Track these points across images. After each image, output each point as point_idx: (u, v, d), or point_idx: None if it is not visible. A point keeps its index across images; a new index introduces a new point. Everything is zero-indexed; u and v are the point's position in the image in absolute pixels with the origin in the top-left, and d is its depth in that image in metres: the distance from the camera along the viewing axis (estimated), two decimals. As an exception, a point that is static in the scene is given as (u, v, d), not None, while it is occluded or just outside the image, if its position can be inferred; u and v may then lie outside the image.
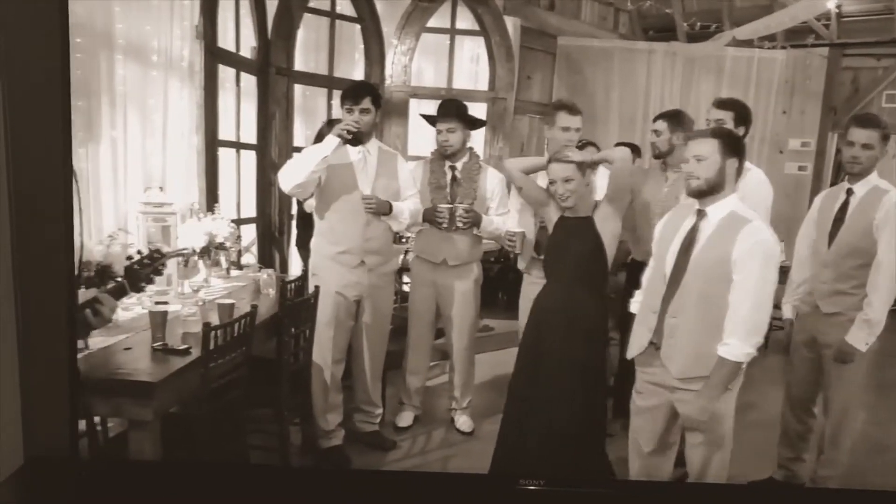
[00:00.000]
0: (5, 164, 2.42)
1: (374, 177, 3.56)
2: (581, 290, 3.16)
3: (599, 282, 3.18)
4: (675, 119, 3.51)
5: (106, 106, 3.59)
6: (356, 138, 3.37)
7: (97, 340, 2.67)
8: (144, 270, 2.21)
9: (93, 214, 3.41)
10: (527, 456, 3.16)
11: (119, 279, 2.26)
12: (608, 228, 3.14)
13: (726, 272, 2.63)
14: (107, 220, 3.58)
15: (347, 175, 3.50)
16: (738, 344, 2.61)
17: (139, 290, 2.23)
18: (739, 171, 2.74)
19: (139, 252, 2.29)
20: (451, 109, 3.79)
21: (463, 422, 3.97)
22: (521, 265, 3.69)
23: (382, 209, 3.52)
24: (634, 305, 2.99)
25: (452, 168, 3.82)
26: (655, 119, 3.64)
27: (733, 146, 2.72)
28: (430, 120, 3.84)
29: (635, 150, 3.93)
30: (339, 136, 3.32)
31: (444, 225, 3.72)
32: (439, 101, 3.91)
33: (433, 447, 3.85)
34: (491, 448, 3.29)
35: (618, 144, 3.70)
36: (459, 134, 3.77)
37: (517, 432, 3.22)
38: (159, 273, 2.25)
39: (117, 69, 3.66)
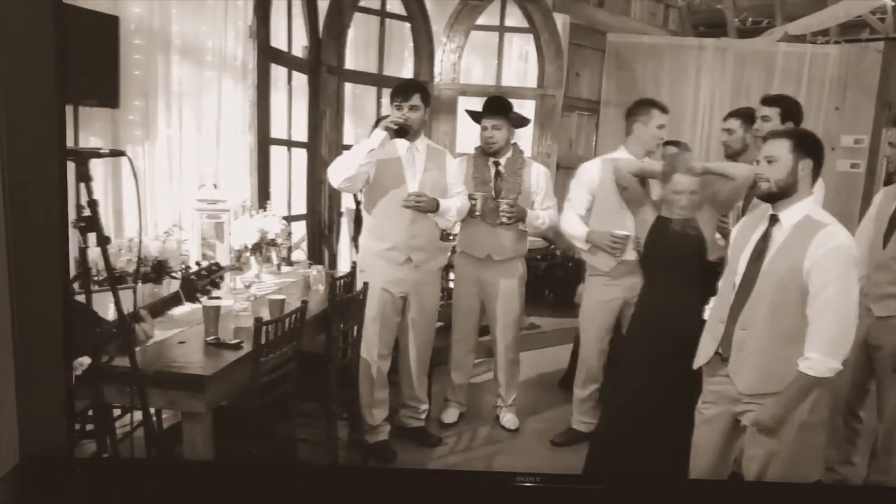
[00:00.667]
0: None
1: (422, 173, 3.56)
2: (684, 290, 3.13)
3: (701, 282, 3.11)
4: (749, 117, 3.43)
5: (162, 105, 3.66)
6: (403, 130, 3.37)
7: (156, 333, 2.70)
8: (201, 282, 2.24)
9: (149, 211, 3.48)
10: (628, 453, 3.16)
11: (173, 275, 2.31)
12: (708, 231, 3.13)
13: (800, 282, 2.48)
14: (162, 217, 3.65)
15: (395, 171, 3.50)
16: (820, 359, 2.45)
17: (194, 300, 2.26)
18: (817, 173, 2.60)
19: (197, 263, 2.32)
20: (497, 106, 3.75)
21: (508, 419, 3.95)
22: (604, 267, 3.59)
23: (430, 206, 3.51)
24: (707, 313, 2.88)
25: (496, 163, 3.79)
26: (727, 117, 3.57)
27: (807, 146, 2.56)
28: (475, 116, 3.81)
29: (685, 149, 3.87)
30: (386, 128, 3.33)
31: (477, 213, 3.68)
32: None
33: (478, 444, 3.84)
34: (535, 446, 3.27)
35: (666, 143, 3.64)
36: (504, 131, 3.74)
37: (621, 429, 3.22)
38: (216, 286, 2.28)
39: (173, 69, 3.73)
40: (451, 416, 3.98)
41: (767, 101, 3.36)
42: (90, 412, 2.81)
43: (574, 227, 3.64)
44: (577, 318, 3.81)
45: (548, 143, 5.35)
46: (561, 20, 5.37)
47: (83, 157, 1.79)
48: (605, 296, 3.60)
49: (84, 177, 1.76)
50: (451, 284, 4.12)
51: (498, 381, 3.97)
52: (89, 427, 2.83)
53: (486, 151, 3.78)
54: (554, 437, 3.82)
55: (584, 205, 3.64)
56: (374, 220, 3.54)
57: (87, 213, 1.76)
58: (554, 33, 5.31)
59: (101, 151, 1.84)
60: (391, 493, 2.84)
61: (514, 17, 5.33)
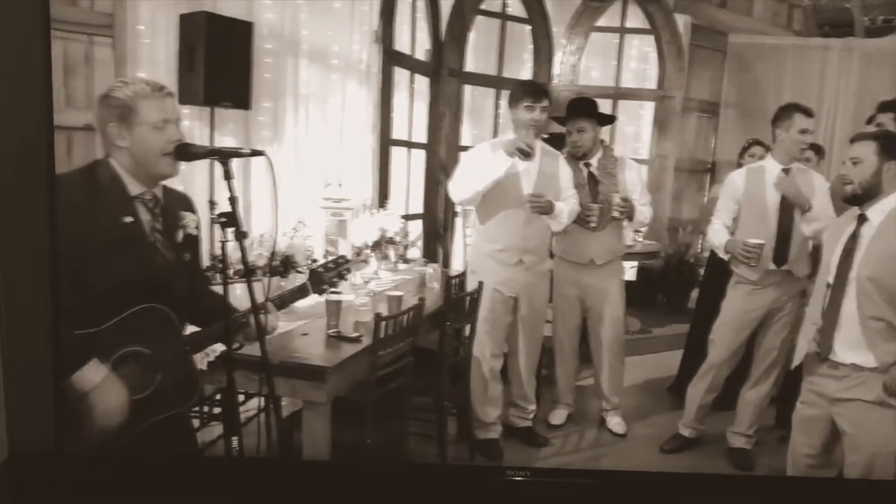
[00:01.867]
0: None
1: (536, 176, 3.52)
2: None
3: None
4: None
5: (290, 107, 3.79)
6: (528, 153, 3.33)
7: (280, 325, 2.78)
8: (328, 274, 2.28)
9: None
10: None
11: (298, 269, 2.38)
12: None
13: (890, 277, 2.45)
14: (287, 214, 3.77)
15: (511, 175, 3.48)
16: None
17: (320, 292, 2.31)
18: None
19: (325, 256, 2.38)
20: (580, 108, 3.67)
21: (616, 423, 3.85)
22: (751, 276, 3.45)
23: (547, 208, 3.47)
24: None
25: (587, 165, 3.70)
26: (878, 111, 3.39)
27: (893, 149, 2.53)
28: (560, 121, 3.73)
29: (819, 151, 3.68)
30: (516, 152, 3.29)
31: (593, 224, 3.61)
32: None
33: (585, 446, 3.77)
34: (642, 451, 3.20)
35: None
36: (590, 133, 3.65)
37: None
38: (343, 278, 2.32)
39: (301, 72, 3.85)
40: (558, 417, 3.92)
41: (883, 106, 3.25)
42: (217, 396, 2.94)
43: (717, 237, 3.54)
44: (687, 324, 3.69)
45: (666, 146, 5.20)
46: (682, 21, 5.20)
47: (226, 156, 1.86)
48: (748, 304, 3.46)
49: (227, 175, 1.83)
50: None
51: (600, 385, 3.87)
52: (216, 410, 2.97)
53: (575, 155, 3.70)
54: (663, 443, 3.71)
55: (729, 214, 3.53)
56: (487, 222, 3.53)
57: (225, 209, 1.82)
58: (675, 34, 5.14)
59: (243, 151, 1.91)
60: (376, 483, 2.79)
61: (635, 18, 5.20)
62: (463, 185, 3.40)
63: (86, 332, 1.85)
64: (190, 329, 2.10)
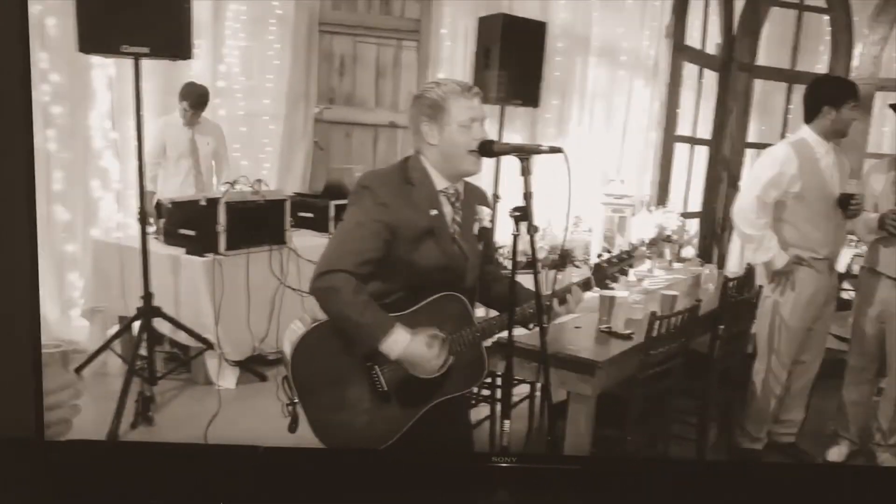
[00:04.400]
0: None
1: (839, 177, 3.16)
2: None
3: None
4: None
5: (576, 104, 3.81)
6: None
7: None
8: (611, 269, 2.22)
9: (554, 204, 3.63)
10: None
11: (576, 263, 2.36)
12: None
13: None
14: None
15: (819, 178, 3.13)
16: None
17: (603, 286, 2.25)
18: None
19: (608, 251, 2.33)
20: None
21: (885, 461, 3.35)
22: None
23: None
24: None
25: None
26: None
27: None
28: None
29: None
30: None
31: None
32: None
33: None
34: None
35: None
36: None
37: None
38: (625, 273, 2.26)
39: (589, 70, 3.85)
40: (837, 454, 3.43)
41: None
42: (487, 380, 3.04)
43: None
44: None
45: None
46: None
47: (527, 153, 1.89)
48: None
49: (524, 171, 1.86)
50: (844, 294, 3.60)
51: (880, 414, 3.37)
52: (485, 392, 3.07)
53: None
54: None
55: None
56: (796, 227, 3.19)
57: (520, 204, 1.86)
58: None
59: (542, 148, 1.93)
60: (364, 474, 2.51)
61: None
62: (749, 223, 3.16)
63: (392, 315, 1.94)
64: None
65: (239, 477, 2.37)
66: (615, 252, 2.30)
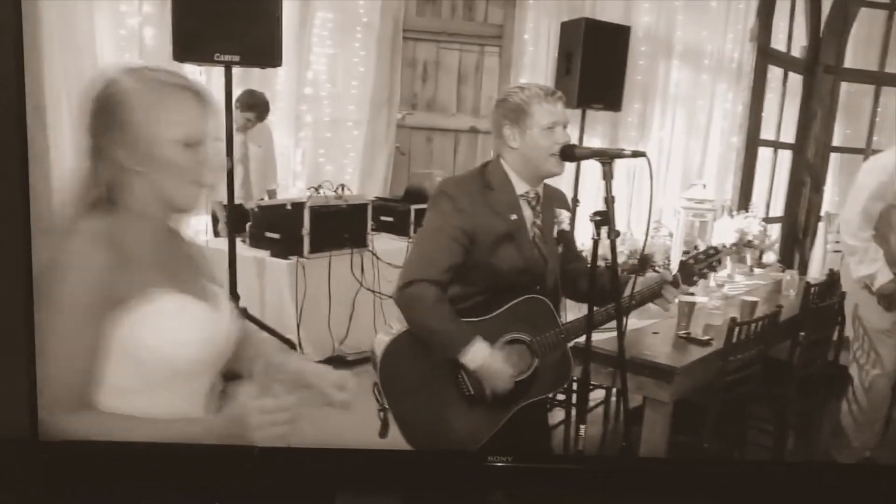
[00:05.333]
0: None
1: None
2: None
3: None
4: None
5: (658, 108, 3.75)
6: None
7: (631, 322, 2.77)
8: (698, 266, 2.17)
9: (635, 208, 3.60)
10: None
11: (656, 268, 2.33)
12: None
13: None
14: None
15: None
16: None
17: (691, 283, 2.21)
18: None
19: (695, 247, 2.29)
20: None
21: None
22: None
23: None
24: None
25: None
26: None
27: None
28: None
29: None
30: None
31: None
32: None
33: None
34: None
35: None
36: None
37: None
38: (714, 269, 2.21)
39: (672, 74, 3.79)
40: None
41: None
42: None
43: None
44: None
45: None
46: None
47: (609, 157, 1.88)
48: None
49: (606, 175, 1.85)
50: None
51: None
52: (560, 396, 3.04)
53: None
54: None
55: None
56: None
57: (601, 208, 1.84)
58: None
59: (625, 152, 1.91)
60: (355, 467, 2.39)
61: None
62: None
63: (477, 319, 1.97)
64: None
65: (235, 477, 2.38)
66: (703, 247, 2.24)
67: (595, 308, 1.96)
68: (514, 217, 2.00)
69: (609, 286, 1.92)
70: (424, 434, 2.01)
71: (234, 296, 3.21)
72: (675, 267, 2.30)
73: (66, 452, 1.89)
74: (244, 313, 3.29)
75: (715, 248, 2.19)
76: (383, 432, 2.01)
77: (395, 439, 2.04)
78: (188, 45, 2.88)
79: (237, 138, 3.93)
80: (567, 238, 2.15)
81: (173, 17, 2.86)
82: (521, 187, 2.03)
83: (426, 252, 1.96)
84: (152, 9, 3.72)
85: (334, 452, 2.12)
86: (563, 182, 3.06)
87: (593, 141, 3.58)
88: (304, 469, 2.26)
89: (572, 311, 2.37)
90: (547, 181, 2.10)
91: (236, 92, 3.93)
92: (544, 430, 2.40)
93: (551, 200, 2.12)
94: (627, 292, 2.06)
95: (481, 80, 4.53)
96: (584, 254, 2.27)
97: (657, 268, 2.99)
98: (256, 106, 3.92)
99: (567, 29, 3.74)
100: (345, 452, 2.09)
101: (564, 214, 2.11)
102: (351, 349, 3.67)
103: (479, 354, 1.92)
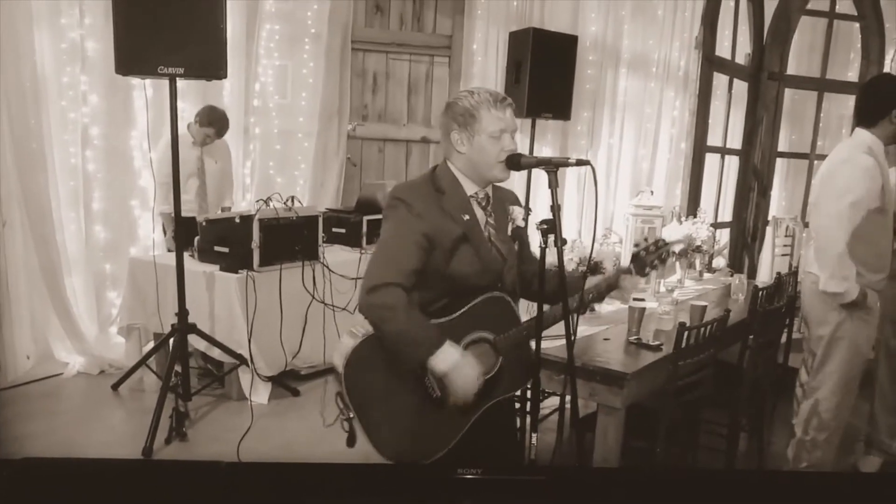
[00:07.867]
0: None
1: None
2: None
3: None
4: None
5: (607, 116, 3.77)
6: None
7: (582, 329, 2.76)
8: (649, 257, 2.19)
9: (584, 214, 3.60)
10: None
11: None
12: None
13: None
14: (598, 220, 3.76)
15: (890, 192, 2.78)
16: None
17: (643, 275, 2.21)
18: None
19: (645, 240, 2.28)
20: None
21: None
22: None
23: None
24: None
25: None
26: None
27: None
28: None
29: None
30: None
31: None
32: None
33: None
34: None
35: None
36: None
37: None
38: (663, 261, 2.22)
39: (620, 82, 3.81)
40: (871, 464, 3.32)
41: None
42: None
43: None
44: None
45: None
46: None
47: (554, 166, 1.86)
48: None
49: (552, 184, 1.83)
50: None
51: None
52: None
53: None
54: None
55: None
56: (872, 244, 2.79)
57: (547, 217, 1.83)
58: None
59: (570, 161, 1.89)
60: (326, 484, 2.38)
61: None
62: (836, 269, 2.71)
63: (439, 321, 1.93)
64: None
65: (201, 494, 2.31)
66: (652, 239, 2.25)
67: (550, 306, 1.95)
68: (466, 217, 1.96)
69: (559, 290, 1.90)
70: (393, 439, 1.95)
71: (183, 311, 3.15)
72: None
73: (23, 471, 1.87)
74: (192, 329, 3.24)
75: (664, 240, 2.19)
76: (351, 442, 1.95)
77: (362, 448, 1.98)
78: (131, 57, 2.80)
79: (194, 152, 3.90)
80: (521, 235, 2.13)
81: (115, 29, 2.78)
82: (470, 188, 2.00)
83: (390, 256, 1.91)
84: (94, 20, 3.63)
85: (301, 467, 2.09)
86: (515, 186, 3.05)
87: (544, 150, 3.58)
88: (270, 485, 2.22)
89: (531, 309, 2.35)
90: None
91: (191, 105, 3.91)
92: (513, 433, 2.37)
93: (502, 201, 2.09)
94: (588, 286, 2.05)
95: (431, 91, 4.51)
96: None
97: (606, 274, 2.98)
98: (217, 122, 3.85)
99: (515, 39, 3.75)
100: (311, 467, 2.07)
101: (518, 211, 2.08)
102: (304, 363, 3.61)
103: (448, 358, 1.88)
